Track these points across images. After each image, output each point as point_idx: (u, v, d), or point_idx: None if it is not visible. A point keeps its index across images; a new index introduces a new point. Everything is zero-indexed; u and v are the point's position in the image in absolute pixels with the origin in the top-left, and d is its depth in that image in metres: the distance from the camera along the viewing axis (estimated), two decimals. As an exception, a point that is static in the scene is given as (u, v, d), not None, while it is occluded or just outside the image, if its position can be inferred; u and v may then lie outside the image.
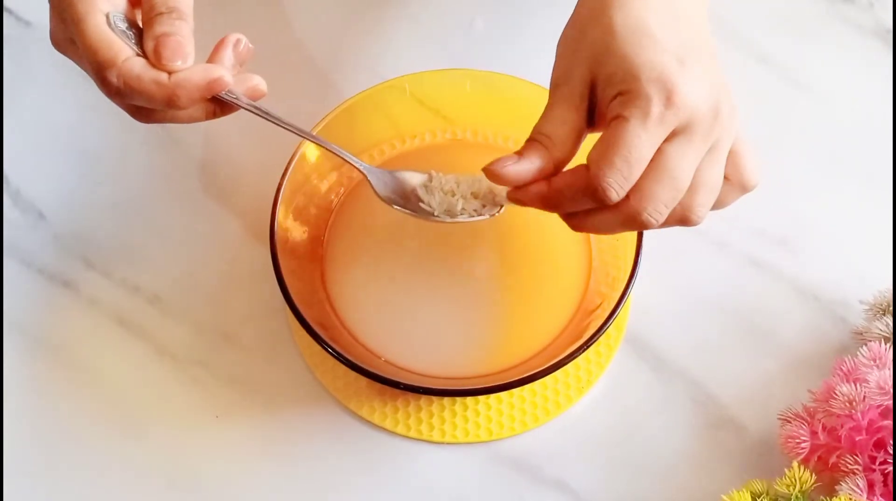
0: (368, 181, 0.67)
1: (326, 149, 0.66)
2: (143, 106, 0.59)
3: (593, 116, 0.60)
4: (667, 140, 0.57)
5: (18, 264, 0.75)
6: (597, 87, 0.58)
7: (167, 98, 0.58)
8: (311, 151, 0.72)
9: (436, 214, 0.66)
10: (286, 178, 0.70)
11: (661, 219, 0.58)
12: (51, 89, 0.80)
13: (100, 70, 0.58)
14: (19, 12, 0.83)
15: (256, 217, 0.75)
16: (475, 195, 0.66)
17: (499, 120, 0.76)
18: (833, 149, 0.78)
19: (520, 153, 0.59)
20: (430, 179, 0.67)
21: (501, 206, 0.65)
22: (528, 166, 0.59)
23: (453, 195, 0.66)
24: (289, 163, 0.70)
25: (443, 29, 0.83)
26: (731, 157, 0.60)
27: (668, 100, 0.56)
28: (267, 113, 0.62)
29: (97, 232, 0.76)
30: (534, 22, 0.83)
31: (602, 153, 0.56)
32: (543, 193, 0.59)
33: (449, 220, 0.66)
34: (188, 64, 0.58)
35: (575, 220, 0.61)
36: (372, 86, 0.74)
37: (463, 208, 0.66)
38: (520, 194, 0.60)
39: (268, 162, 0.75)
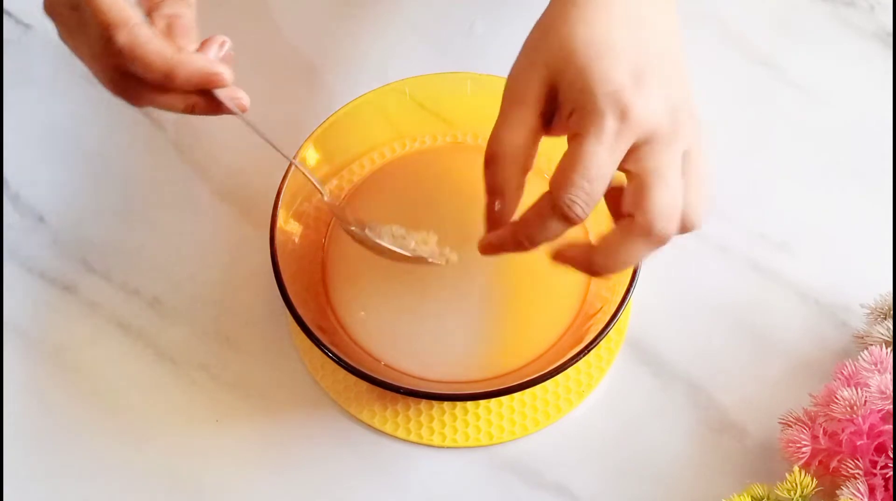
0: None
1: (301, 171, 0.67)
2: (134, 77, 0.59)
3: (551, 120, 0.60)
4: (634, 151, 0.57)
5: (18, 267, 0.75)
6: (558, 92, 0.58)
7: (165, 73, 0.58)
8: (310, 155, 0.72)
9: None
10: (286, 181, 0.70)
11: (671, 226, 0.58)
12: (51, 92, 0.80)
13: (108, 28, 0.57)
14: (19, 15, 0.83)
15: (257, 220, 0.75)
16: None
17: (499, 123, 0.76)
18: (833, 152, 0.78)
19: (493, 219, 0.61)
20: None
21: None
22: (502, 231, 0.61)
23: (403, 239, 0.69)
24: (289, 166, 0.70)
25: (443, 32, 0.83)
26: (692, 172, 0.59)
27: (623, 115, 0.56)
28: (252, 126, 0.62)
29: (97, 235, 0.76)
30: (533, 24, 0.83)
31: (562, 173, 0.57)
32: (513, 233, 0.60)
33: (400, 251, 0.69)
34: (191, 49, 0.59)
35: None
36: (372, 89, 0.74)
37: (415, 248, 0.69)
38: (491, 247, 0.62)
39: (268, 165, 0.74)
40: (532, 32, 0.62)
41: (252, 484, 0.68)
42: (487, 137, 0.76)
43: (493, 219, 0.61)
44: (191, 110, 0.61)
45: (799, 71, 0.81)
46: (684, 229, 0.59)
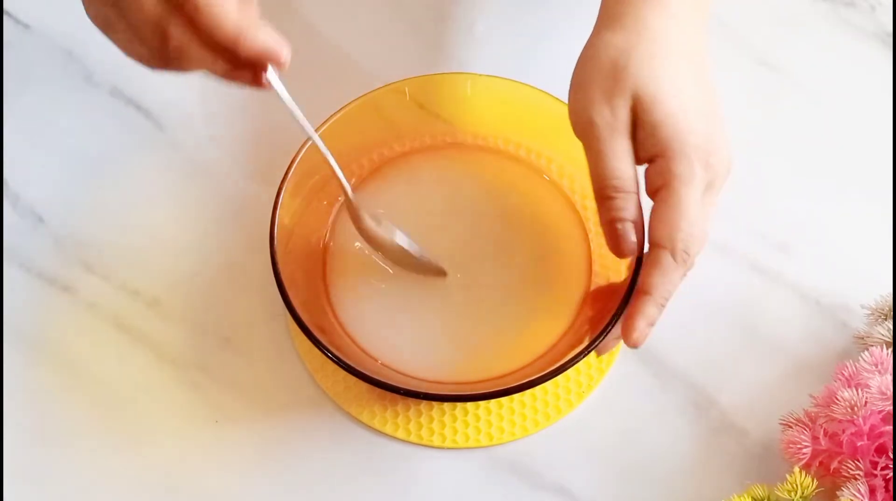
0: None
1: (332, 169, 0.68)
2: (188, 31, 0.59)
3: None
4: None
5: (17, 268, 0.74)
6: (637, 128, 0.62)
7: (233, 36, 0.58)
8: (311, 156, 0.72)
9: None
10: (286, 182, 0.70)
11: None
12: (50, 93, 0.80)
13: None
14: (19, 16, 0.83)
15: (257, 221, 0.75)
16: None
17: (499, 123, 0.76)
18: (833, 152, 0.78)
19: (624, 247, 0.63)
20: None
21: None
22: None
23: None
24: (289, 167, 0.70)
25: (443, 32, 0.83)
26: None
27: (707, 163, 0.60)
28: (295, 117, 0.64)
29: (96, 236, 0.76)
30: (534, 25, 0.83)
31: (670, 226, 0.60)
32: (652, 300, 0.63)
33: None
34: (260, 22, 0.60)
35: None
36: (372, 90, 0.74)
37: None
38: (636, 323, 0.63)
39: (268, 165, 0.75)
40: (588, 61, 0.63)
41: (251, 485, 0.68)
42: (487, 137, 0.77)
43: (623, 247, 0.63)
44: (226, 74, 0.61)
45: (799, 71, 0.81)
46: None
